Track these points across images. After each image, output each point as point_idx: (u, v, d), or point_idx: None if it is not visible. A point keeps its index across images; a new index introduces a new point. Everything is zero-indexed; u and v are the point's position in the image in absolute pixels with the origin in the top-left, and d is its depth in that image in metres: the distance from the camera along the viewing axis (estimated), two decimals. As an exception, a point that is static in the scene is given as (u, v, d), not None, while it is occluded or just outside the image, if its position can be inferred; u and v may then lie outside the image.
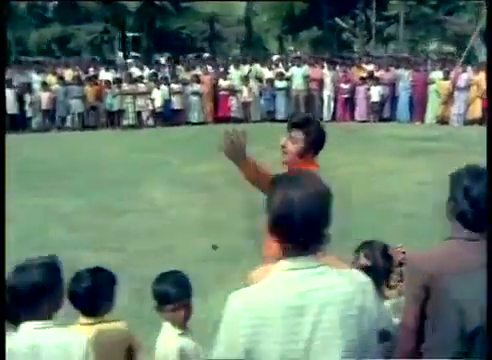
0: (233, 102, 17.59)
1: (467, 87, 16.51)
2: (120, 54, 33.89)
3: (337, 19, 42.12)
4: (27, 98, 16.04)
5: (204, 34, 43.75)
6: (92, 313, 2.69)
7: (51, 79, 16.68)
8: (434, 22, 30.79)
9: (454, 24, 29.80)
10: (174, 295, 2.71)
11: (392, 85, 17.64)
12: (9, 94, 15.73)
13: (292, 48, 44.57)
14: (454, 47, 29.69)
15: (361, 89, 17.58)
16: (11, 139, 14.46)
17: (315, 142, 3.40)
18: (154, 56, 29.03)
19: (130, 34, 33.11)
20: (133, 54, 30.05)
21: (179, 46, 36.72)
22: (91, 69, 17.68)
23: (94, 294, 2.67)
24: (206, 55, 26.01)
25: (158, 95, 16.79)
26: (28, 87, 16.20)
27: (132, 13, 29.93)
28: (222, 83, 17.59)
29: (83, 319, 2.71)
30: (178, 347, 2.70)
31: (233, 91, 17.56)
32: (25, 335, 2.35)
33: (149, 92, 16.83)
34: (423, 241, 3.33)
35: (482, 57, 23.79)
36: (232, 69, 18.12)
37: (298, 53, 32.41)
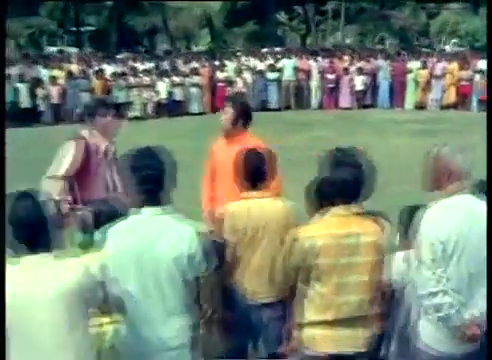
0: (229, 92, 18.67)
1: (443, 75, 18.45)
2: (74, 49, 33.94)
3: (277, 14, 43.66)
4: (39, 92, 16.45)
5: (144, 27, 44.12)
6: None
7: (58, 73, 17.12)
8: (380, 17, 33.01)
9: (398, 18, 32.18)
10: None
11: (373, 75, 19.35)
12: (22, 88, 16.16)
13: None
14: (397, 40, 32.10)
15: (345, 79, 19.16)
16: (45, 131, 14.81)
17: (241, 114, 4.40)
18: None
19: (87, 28, 33.20)
20: (90, 50, 30.34)
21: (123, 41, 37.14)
22: (94, 63, 18.24)
23: None
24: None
25: (162, 87, 17.65)
26: (39, 81, 16.60)
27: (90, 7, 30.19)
28: (219, 75, 18.64)
29: None
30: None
31: (229, 82, 18.66)
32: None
33: (153, 85, 17.64)
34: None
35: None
36: (227, 62, 19.19)
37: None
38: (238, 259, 3.54)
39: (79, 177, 4.24)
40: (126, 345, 2.92)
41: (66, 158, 4.18)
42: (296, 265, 2.85)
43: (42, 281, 2.53)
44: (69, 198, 4.10)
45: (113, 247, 2.86)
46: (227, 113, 4.42)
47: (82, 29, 32.57)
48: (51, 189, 3.89)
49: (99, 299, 2.74)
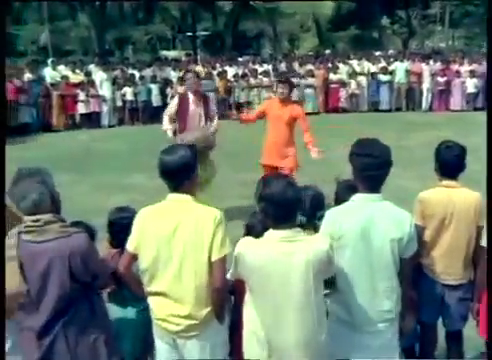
0: (342, 93, 19.54)
1: None
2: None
3: (382, 19, 43.78)
4: (168, 92, 17.99)
5: (253, 32, 45.25)
6: None
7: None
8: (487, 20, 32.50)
9: (505, 21, 31.55)
10: None
11: (485, 77, 19.53)
12: (154, 89, 17.77)
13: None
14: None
15: (457, 81, 19.50)
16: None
17: (292, 88, 7.70)
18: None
19: (203, 33, 34.96)
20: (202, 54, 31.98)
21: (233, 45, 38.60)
22: (218, 65, 19.63)
23: None
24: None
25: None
26: (169, 82, 18.14)
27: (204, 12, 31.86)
28: (332, 77, 19.53)
29: None
30: None
31: (343, 84, 19.50)
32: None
33: (272, 85, 18.73)
34: None
35: None
36: (341, 64, 20.05)
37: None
38: (427, 242, 3.85)
39: (178, 114, 7.62)
40: (334, 316, 3.21)
41: (171, 104, 7.86)
42: None
43: (299, 250, 2.89)
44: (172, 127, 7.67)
45: (336, 228, 3.16)
46: (285, 88, 7.39)
47: (197, 34, 34.35)
48: (165, 121, 7.66)
49: (331, 272, 3.05)
